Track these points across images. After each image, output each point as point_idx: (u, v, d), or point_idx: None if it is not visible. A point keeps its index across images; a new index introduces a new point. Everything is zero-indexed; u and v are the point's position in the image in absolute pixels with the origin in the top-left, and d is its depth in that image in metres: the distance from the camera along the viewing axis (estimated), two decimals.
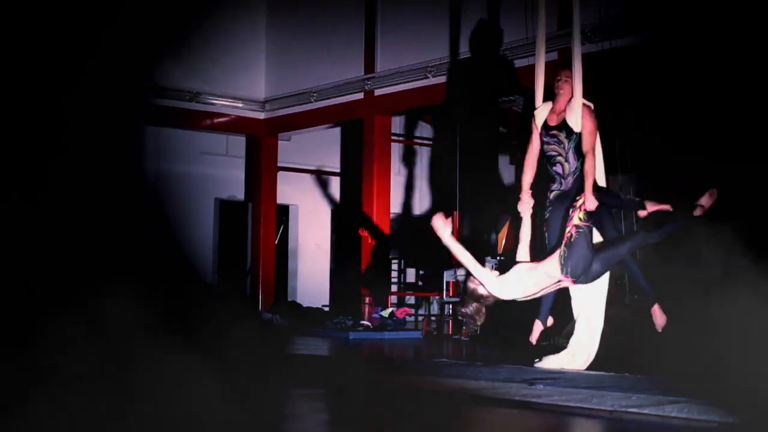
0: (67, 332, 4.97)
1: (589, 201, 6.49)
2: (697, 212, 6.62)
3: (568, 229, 6.39)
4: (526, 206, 6.93)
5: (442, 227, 6.17)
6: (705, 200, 6.62)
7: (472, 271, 6.33)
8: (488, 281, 6.29)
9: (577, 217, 6.40)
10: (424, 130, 16.44)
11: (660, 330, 6.98)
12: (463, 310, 6.47)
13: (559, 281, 6.39)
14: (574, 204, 6.46)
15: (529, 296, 6.50)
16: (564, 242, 6.38)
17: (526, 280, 6.37)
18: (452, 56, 12.29)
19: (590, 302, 7.05)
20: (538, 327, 7.14)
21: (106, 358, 4.90)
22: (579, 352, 7.03)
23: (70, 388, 4.50)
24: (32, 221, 5.85)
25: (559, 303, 7.23)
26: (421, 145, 16.46)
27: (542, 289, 6.48)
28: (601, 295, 7.08)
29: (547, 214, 6.98)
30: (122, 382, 4.50)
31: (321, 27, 14.44)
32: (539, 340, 7.32)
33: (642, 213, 6.73)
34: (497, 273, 6.45)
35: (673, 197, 6.82)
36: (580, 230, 6.37)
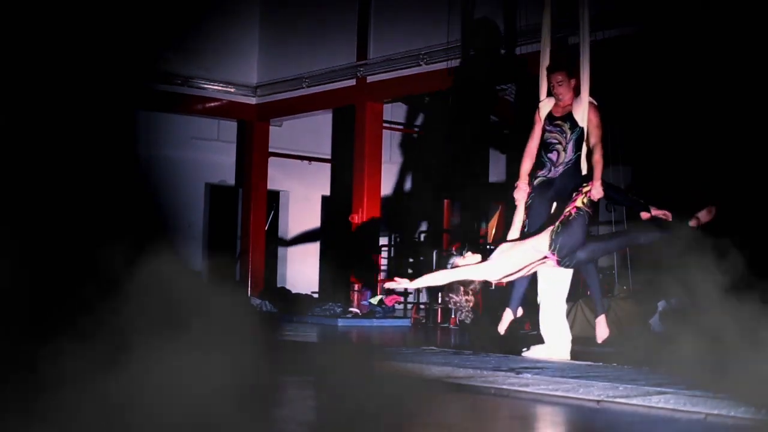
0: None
1: (596, 189, 6.58)
2: (692, 223, 6.58)
3: (568, 209, 6.43)
4: (522, 193, 7.02)
5: (401, 284, 6.33)
6: (703, 215, 6.55)
7: (455, 278, 6.38)
8: (475, 273, 6.32)
9: (580, 200, 6.45)
10: (420, 118, 16.43)
11: (600, 342, 7.04)
12: (451, 296, 6.49)
13: (545, 258, 6.42)
14: (581, 189, 6.50)
15: (516, 272, 6.53)
16: (560, 219, 6.41)
17: (512, 255, 6.41)
18: (444, 44, 12.25)
19: (556, 289, 7.13)
20: (508, 316, 7.16)
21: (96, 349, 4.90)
22: (560, 340, 7.07)
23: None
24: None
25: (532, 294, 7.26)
26: (413, 133, 16.45)
27: (528, 265, 6.51)
28: (566, 281, 7.15)
29: (530, 201, 7.02)
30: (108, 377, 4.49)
31: (314, 13, 14.39)
32: (508, 328, 7.33)
33: (644, 215, 6.68)
34: (479, 257, 6.49)
35: (668, 200, 6.84)
36: (580, 213, 6.41)
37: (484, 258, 6.53)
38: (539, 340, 7.27)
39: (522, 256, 6.40)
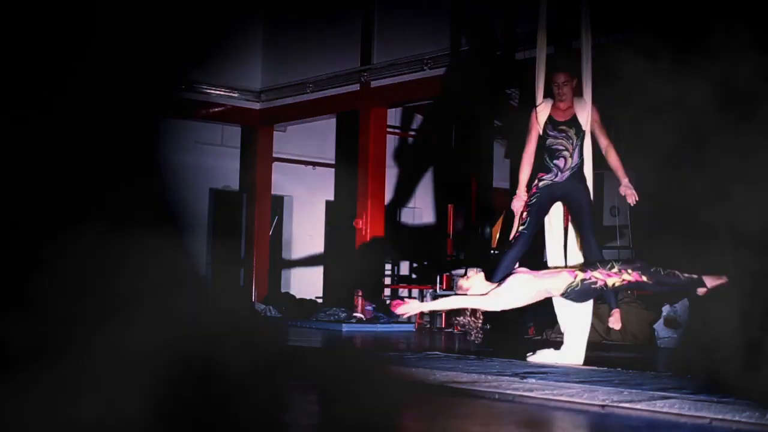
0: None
1: (629, 193, 6.59)
2: (701, 292, 6.37)
3: (597, 279, 6.31)
4: (520, 203, 6.97)
5: (411, 308, 6.30)
6: (711, 282, 6.35)
7: (463, 305, 6.38)
8: (485, 302, 6.32)
9: (612, 282, 6.31)
10: (419, 122, 16.43)
11: (615, 327, 6.94)
12: (458, 319, 6.51)
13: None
14: (622, 271, 6.26)
15: (520, 305, 6.55)
16: (583, 279, 6.34)
17: (523, 293, 6.37)
18: (448, 49, 12.25)
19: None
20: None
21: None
22: (571, 349, 6.99)
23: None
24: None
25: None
26: (414, 137, 16.43)
27: (535, 301, 6.55)
28: None
29: (534, 200, 6.95)
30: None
31: (318, 17, 14.41)
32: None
33: (701, 291, 6.35)
34: (482, 275, 6.48)
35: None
36: (604, 289, 6.36)
37: (486, 274, 6.53)
38: (544, 345, 7.25)
39: (533, 295, 6.40)
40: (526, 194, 7.00)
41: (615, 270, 6.28)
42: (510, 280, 6.38)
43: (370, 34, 13.46)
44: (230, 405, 4.46)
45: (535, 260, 7.30)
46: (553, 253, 7.20)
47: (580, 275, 6.34)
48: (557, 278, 6.39)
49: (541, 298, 6.47)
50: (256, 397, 4.83)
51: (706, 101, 7.34)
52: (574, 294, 6.36)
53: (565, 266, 6.86)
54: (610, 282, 6.30)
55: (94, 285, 5.47)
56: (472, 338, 6.51)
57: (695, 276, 6.29)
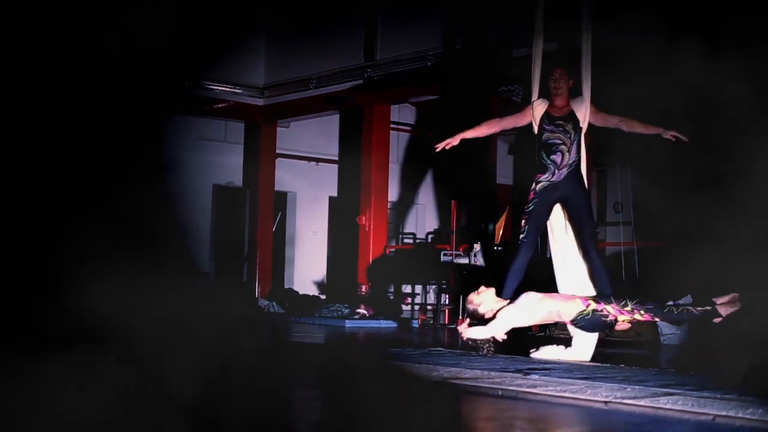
0: None
1: (676, 133, 6.56)
2: (717, 321, 6.31)
3: (609, 312, 6.29)
4: (445, 146, 7.01)
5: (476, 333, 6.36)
6: (725, 311, 6.26)
7: (488, 335, 6.42)
8: (497, 328, 6.36)
9: (623, 319, 6.32)
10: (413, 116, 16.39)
11: (622, 328, 6.83)
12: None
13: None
14: (635, 310, 6.25)
15: (530, 324, 6.58)
16: (594, 310, 6.33)
17: (533, 312, 6.39)
18: (452, 45, 12.25)
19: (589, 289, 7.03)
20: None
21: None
22: (580, 347, 6.95)
23: None
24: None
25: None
26: (414, 132, 16.37)
27: (543, 322, 6.58)
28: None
29: (531, 206, 6.87)
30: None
31: (321, 13, 14.39)
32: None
33: (717, 320, 6.29)
34: (492, 291, 6.51)
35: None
36: (614, 322, 6.37)
37: (496, 289, 6.56)
38: (547, 341, 7.24)
39: (545, 314, 6.41)
40: (457, 141, 7.04)
41: (628, 308, 6.30)
42: (521, 299, 6.41)
43: (374, 30, 13.45)
44: (232, 401, 4.46)
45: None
46: (560, 269, 7.11)
47: (593, 305, 6.36)
48: (570, 303, 6.41)
49: (552, 320, 6.49)
50: (258, 393, 4.83)
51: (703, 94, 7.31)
52: (584, 322, 6.37)
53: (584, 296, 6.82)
54: (620, 318, 6.34)
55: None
56: (484, 352, 6.50)
57: (709, 307, 6.29)
